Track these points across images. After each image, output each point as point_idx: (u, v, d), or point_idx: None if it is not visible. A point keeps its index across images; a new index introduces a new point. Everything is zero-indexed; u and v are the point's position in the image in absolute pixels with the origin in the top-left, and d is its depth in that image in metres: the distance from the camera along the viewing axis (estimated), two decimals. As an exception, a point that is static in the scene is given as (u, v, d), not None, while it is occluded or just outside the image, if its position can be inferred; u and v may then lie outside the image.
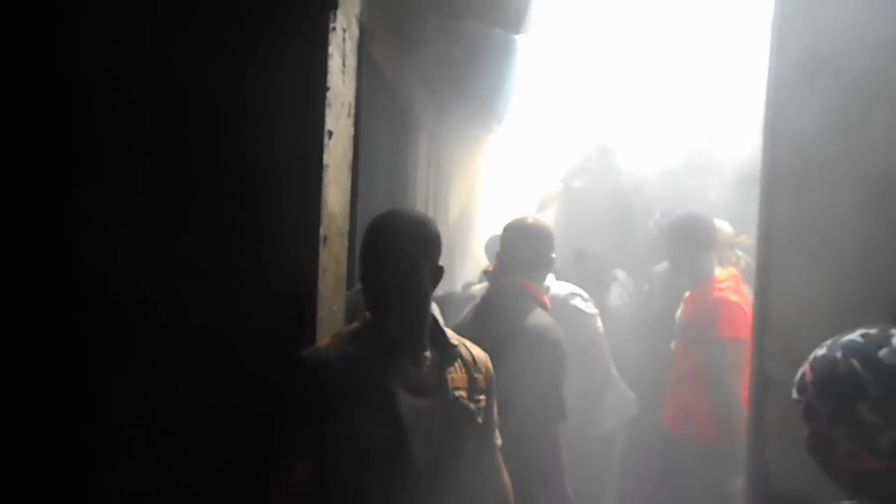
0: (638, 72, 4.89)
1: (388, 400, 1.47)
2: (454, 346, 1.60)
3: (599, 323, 3.15)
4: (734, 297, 2.71)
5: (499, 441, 1.74)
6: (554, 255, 2.47)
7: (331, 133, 1.81)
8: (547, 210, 7.41)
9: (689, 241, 2.89)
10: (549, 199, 7.32)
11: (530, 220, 2.48)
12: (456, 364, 1.59)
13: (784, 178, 1.94)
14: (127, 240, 1.75)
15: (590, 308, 3.17)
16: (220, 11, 1.75)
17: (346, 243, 2.04)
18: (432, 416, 1.52)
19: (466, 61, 4.80)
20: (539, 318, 2.27)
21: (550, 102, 6.52)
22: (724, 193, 3.71)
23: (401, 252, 1.46)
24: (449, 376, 1.56)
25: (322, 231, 1.77)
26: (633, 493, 3.37)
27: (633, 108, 4.93)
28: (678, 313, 2.98)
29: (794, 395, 1.27)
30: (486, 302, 2.47)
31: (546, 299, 2.40)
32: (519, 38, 4.62)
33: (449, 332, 1.63)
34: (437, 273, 1.53)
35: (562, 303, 3.12)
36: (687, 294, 2.97)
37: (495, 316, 2.34)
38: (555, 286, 3.26)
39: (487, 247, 4.69)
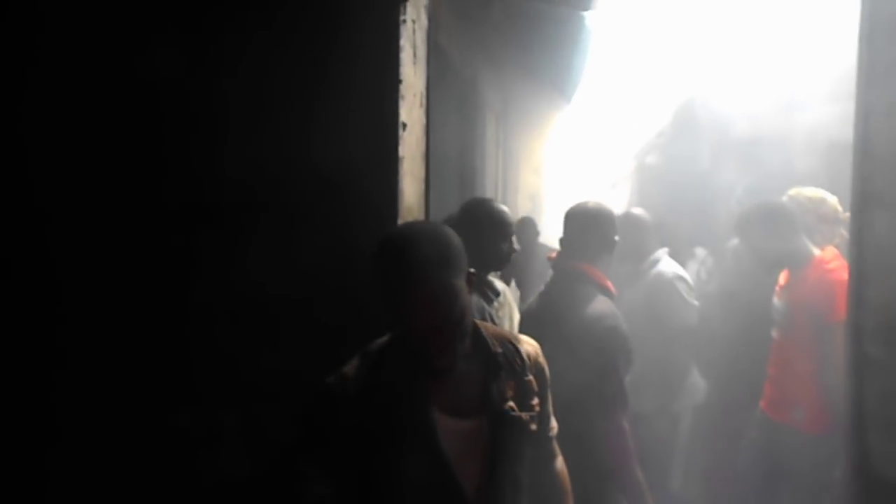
0: (715, 40, 4.69)
1: (426, 428, 1.34)
2: (497, 354, 1.44)
3: (695, 315, 3.08)
4: (846, 278, 2.56)
5: (554, 429, 1.61)
6: (617, 238, 2.42)
7: (405, 125, 1.83)
8: (620, 188, 7.26)
9: (772, 231, 2.72)
10: (622, 177, 7.17)
11: (591, 205, 2.44)
12: (503, 372, 1.44)
13: (879, 147, 1.83)
14: (207, 237, 1.83)
15: (692, 297, 3.10)
16: (296, 10, 1.79)
17: (422, 232, 2.07)
18: (481, 437, 1.38)
19: (532, 41, 4.74)
20: (598, 304, 2.24)
21: (620, 79, 6.36)
22: (812, 164, 3.53)
23: (437, 282, 1.27)
24: (495, 388, 1.41)
25: (400, 222, 1.80)
26: (700, 475, 3.30)
27: (709, 78, 4.74)
28: (778, 298, 2.81)
29: None
30: (549, 288, 2.47)
31: (609, 284, 2.35)
32: (587, 15, 4.51)
33: (491, 335, 1.48)
34: (471, 279, 1.36)
35: (666, 283, 3.09)
36: (786, 278, 2.80)
37: (557, 303, 2.34)
38: (665, 263, 3.21)
39: (518, 229, 4.51)
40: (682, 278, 3.12)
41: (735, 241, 3.61)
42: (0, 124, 1.86)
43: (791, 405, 2.72)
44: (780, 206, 2.80)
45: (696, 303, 3.10)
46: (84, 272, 1.86)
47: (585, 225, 2.38)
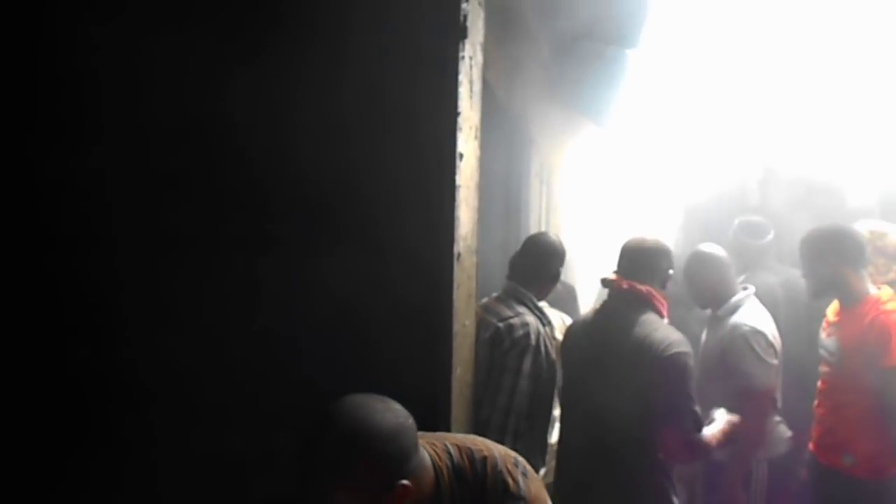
0: (763, 80, 4.70)
1: None
2: None
3: (772, 375, 2.75)
4: None
5: None
6: (671, 272, 2.49)
7: (462, 155, 1.90)
8: (662, 225, 7.21)
9: (838, 258, 2.64)
10: (665, 214, 7.12)
11: (648, 238, 2.54)
12: None
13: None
14: (271, 263, 1.91)
15: (770, 355, 2.74)
16: (362, 46, 1.88)
17: (474, 260, 2.11)
18: None
19: (576, 79, 4.81)
20: (665, 330, 2.32)
21: (664, 115, 6.37)
22: (866, 203, 3.48)
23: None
24: None
25: (456, 248, 1.85)
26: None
27: (755, 113, 4.74)
28: (828, 336, 2.74)
29: None
30: (604, 310, 2.52)
31: (664, 310, 2.41)
32: (630, 53, 4.57)
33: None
34: (408, 489, 1.27)
35: (740, 339, 2.74)
36: (837, 314, 2.74)
37: (614, 326, 2.39)
38: (744, 312, 2.84)
39: None
40: (759, 332, 2.74)
41: (776, 278, 3.54)
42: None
43: (841, 449, 2.64)
44: (849, 231, 2.73)
45: (774, 361, 2.75)
46: (157, 294, 1.95)
47: (641, 255, 2.45)
